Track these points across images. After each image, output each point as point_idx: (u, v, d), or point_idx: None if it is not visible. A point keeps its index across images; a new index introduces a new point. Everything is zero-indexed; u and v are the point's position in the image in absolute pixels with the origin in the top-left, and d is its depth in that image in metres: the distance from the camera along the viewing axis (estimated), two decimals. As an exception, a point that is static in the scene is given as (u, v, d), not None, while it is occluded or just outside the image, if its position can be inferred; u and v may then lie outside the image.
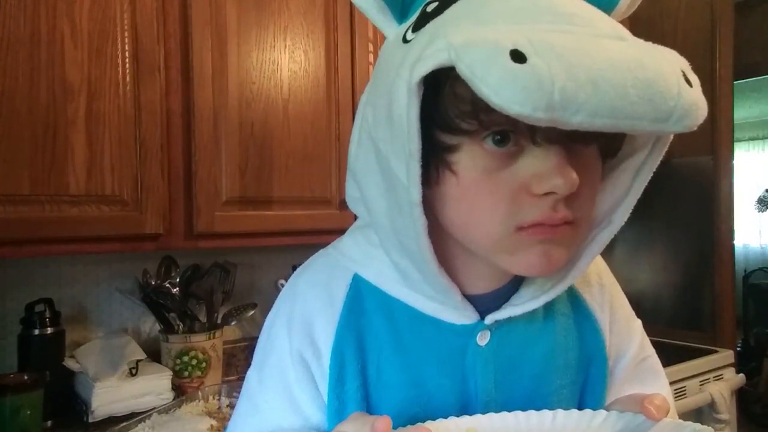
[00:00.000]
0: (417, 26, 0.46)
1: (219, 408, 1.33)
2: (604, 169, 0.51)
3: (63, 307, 1.38)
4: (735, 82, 2.26)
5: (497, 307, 0.54)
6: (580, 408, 0.52)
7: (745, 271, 5.06)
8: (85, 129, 1.15)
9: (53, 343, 1.31)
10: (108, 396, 1.26)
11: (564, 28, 0.40)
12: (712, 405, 1.87)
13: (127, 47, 1.21)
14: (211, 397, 1.36)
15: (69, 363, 1.31)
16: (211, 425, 1.21)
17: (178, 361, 1.42)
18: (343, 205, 1.53)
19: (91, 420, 1.24)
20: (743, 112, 5.57)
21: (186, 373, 1.43)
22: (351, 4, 1.54)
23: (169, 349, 1.44)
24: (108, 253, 1.42)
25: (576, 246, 0.51)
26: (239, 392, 0.60)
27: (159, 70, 1.26)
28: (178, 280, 1.48)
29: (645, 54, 0.39)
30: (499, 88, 0.35)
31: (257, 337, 0.61)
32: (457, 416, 0.50)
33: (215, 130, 1.33)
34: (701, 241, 2.27)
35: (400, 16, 0.50)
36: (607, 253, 0.57)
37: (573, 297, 0.61)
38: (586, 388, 0.60)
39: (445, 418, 0.50)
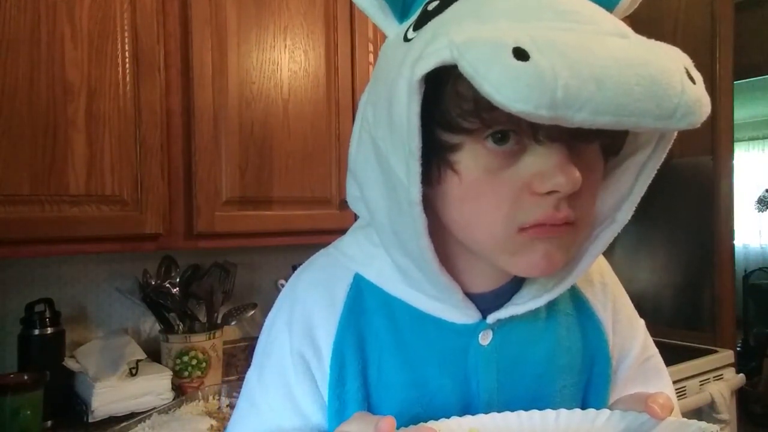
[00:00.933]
0: (418, 25, 0.46)
1: (219, 408, 1.33)
2: (607, 167, 0.51)
3: (63, 307, 1.38)
4: (735, 82, 2.26)
5: (499, 306, 0.54)
6: (583, 408, 0.52)
7: (745, 271, 5.06)
8: (85, 129, 1.15)
9: (53, 343, 1.31)
10: (108, 396, 1.26)
11: (566, 25, 0.40)
12: (712, 405, 1.87)
13: (127, 47, 1.21)
14: (211, 397, 1.36)
15: (69, 363, 1.31)
16: (211, 425, 1.21)
17: (178, 361, 1.42)
18: (343, 205, 1.53)
19: (91, 420, 1.24)
20: (743, 112, 5.56)
21: (186, 373, 1.43)
22: (351, 4, 1.55)
23: (169, 349, 1.43)
24: (108, 253, 1.43)
25: (576, 246, 0.51)
26: (239, 392, 0.60)
27: (159, 70, 1.26)
28: (178, 280, 1.48)
29: (648, 51, 0.39)
30: (502, 85, 0.35)
31: (257, 337, 0.61)
32: (460, 416, 0.50)
33: (215, 130, 1.33)
34: (701, 241, 2.27)
35: (401, 15, 0.50)
36: (608, 253, 0.57)
37: (575, 296, 0.60)
38: (590, 388, 0.60)
39: (447, 418, 0.50)
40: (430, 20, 0.45)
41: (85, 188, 1.15)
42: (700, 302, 2.29)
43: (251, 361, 0.60)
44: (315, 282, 0.58)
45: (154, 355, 1.45)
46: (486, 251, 0.49)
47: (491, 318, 0.54)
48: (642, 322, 0.66)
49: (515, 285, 0.55)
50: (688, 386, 1.85)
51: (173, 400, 1.33)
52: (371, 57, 1.58)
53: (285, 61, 1.44)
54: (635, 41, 0.41)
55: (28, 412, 1.12)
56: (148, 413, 1.23)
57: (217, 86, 1.33)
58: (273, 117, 1.42)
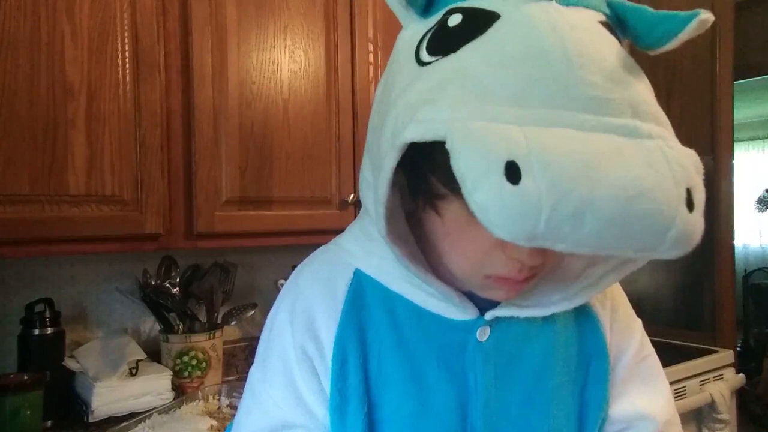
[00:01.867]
0: (433, 45, 0.45)
1: (219, 408, 1.33)
2: None
3: (63, 307, 1.38)
4: (735, 82, 2.26)
5: (496, 303, 0.55)
6: (582, 406, 0.53)
7: (745, 271, 5.06)
8: (85, 129, 1.15)
9: (53, 343, 1.30)
10: (108, 396, 1.26)
11: (573, 118, 0.38)
12: (712, 405, 1.87)
13: (127, 47, 1.21)
14: (211, 397, 1.36)
15: (69, 363, 1.31)
16: (211, 425, 1.21)
17: (178, 361, 1.42)
18: (343, 205, 1.53)
19: (91, 420, 1.24)
20: (743, 112, 5.56)
21: (186, 373, 1.43)
22: (351, 4, 1.55)
23: (169, 349, 1.43)
24: (108, 253, 1.42)
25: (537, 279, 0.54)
26: (239, 392, 0.61)
27: (159, 70, 1.26)
28: (178, 280, 1.48)
29: (650, 170, 0.37)
30: (485, 208, 0.35)
31: (257, 337, 0.61)
32: (457, 412, 0.51)
33: (215, 130, 1.33)
34: (701, 241, 2.27)
35: (424, 11, 0.49)
36: (608, 253, 0.57)
37: None
38: (588, 386, 0.60)
39: (445, 413, 0.50)
40: (445, 48, 0.43)
41: (85, 188, 1.15)
42: (700, 302, 2.28)
43: (251, 361, 0.60)
44: (316, 278, 0.58)
45: (154, 355, 1.45)
46: (456, 278, 0.53)
47: (489, 315, 0.54)
48: (639, 321, 0.67)
49: None
50: (688, 386, 1.85)
51: (173, 400, 1.33)
52: (371, 57, 1.58)
53: (285, 61, 1.44)
54: (642, 148, 0.38)
55: (28, 412, 1.12)
56: (148, 413, 1.23)
57: (217, 86, 1.33)
58: (273, 117, 1.42)
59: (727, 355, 2.04)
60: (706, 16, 0.44)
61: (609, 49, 0.42)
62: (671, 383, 0.79)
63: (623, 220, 0.36)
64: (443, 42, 0.44)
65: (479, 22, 0.43)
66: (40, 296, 1.31)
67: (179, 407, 1.29)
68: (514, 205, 0.34)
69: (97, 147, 1.17)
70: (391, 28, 1.60)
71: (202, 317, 1.51)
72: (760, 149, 6.28)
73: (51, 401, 1.21)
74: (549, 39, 0.41)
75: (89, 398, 1.25)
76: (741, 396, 2.28)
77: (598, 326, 0.61)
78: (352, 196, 1.53)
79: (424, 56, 0.45)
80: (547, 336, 0.58)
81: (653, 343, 0.67)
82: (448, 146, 0.37)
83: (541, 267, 0.49)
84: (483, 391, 0.55)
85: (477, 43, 0.42)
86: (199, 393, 1.36)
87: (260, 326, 0.61)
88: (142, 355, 1.36)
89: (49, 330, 1.29)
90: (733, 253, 2.32)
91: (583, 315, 0.60)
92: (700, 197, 0.39)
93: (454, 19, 0.44)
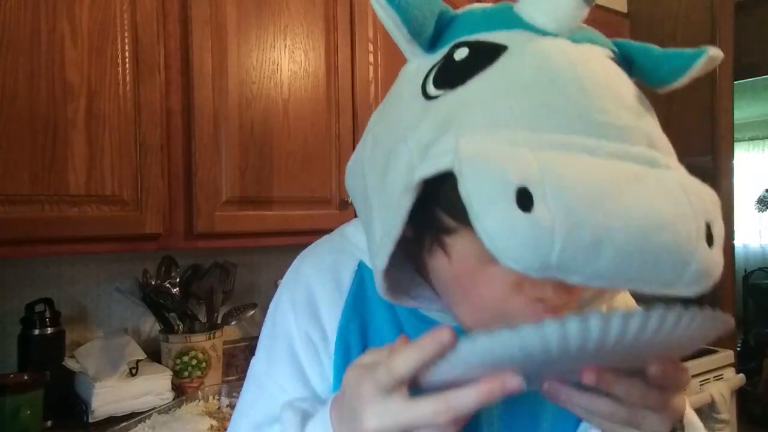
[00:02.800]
0: (440, 79, 0.43)
1: (219, 408, 1.33)
2: None
3: (63, 307, 1.38)
4: (735, 82, 2.26)
5: None
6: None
7: (745, 271, 5.06)
8: (85, 129, 1.15)
9: (53, 343, 1.30)
10: (108, 396, 1.26)
11: (590, 144, 0.36)
12: (712, 405, 1.87)
13: (127, 47, 1.21)
14: (211, 397, 1.36)
15: (69, 363, 1.31)
16: (211, 425, 1.21)
17: (178, 361, 1.42)
18: (343, 204, 1.53)
19: (91, 420, 1.24)
20: (743, 112, 5.56)
21: (186, 373, 1.43)
22: (351, 4, 1.55)
23: (169, 349, 1.43)
24: (108, 253, 1.42)
25: None
26: (239, 392, 0.60)
27: (159, 70, 1.26)
28: (178, 280, 1.48)
29: (669, 202, 0.35)
30: (495, 235, 0.33)
31: (257, 337, 0.60)
32: None
33: (215, 130, 1.33)
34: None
35: (429, 46, 0.47)
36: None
37: None
38: None
39: None
40: (453, 81, 0.42)
41: (85, 188, 1.15)
42: (699, 302, 2.28)
43: (251, 361, 0.60)
44: (320, 266, 0.58)
45: (154, 355, 1.45)
46: (462, 325, 0.48)
47: None
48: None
49: None
50: (688, 386, 1.85)
51: (173, 400, 1.33)
52: (371, 57, 1.58)
53: (285, 61, 1.44)
54: (660, 179, 0.37)
55: (28, 412, 1.12)
56: (148, 413, 1.23)
57: (217, 86, 1.33)
58: (273, 117, 1.42)
59: (727, 355, 2.04)
60: (715, 52, 0.43)
61: (621, 80, 0.42)
62: (671, 383, 0.79)
63: (641, 253, 0.34)
64: (450, 75, 0.43)
65: (487, 54, 0.42)
66: (40, 296, 1.31)
67: (179, 407, 1.29)
68: (525, 233, 0.32)
69: (97, 147, 1.17)
70: (391, 28, 1.60)
71: (202, 317, 1.51)
72: (760, 149, 6.27)
73: (51, 401, 1.21)
74: (561, 67, 0.40)
75: (89, 398, 1.25)
76: (741, 396, 2.28)
77: None
78: (352, 196, 1.53)
79: (431, 90, 0.43)
80: None
81: (653, 343, 0.67)
82: (455, 170, 0.35)
83: (566, 307, 0.44)
84: None
85: (485, 74, 0.41)
86: (199, 393, 1.36)
87: (260, 326, 0.61)
88: (142, 355, 1.36)
89: (49, 330, 1.29)
90: (733, 253, 2.32)
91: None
92: (719, 232, 0.37)
93: (461, 53, 0.43)
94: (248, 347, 1.70)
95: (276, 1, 1.43)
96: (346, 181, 0.54)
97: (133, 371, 1.32)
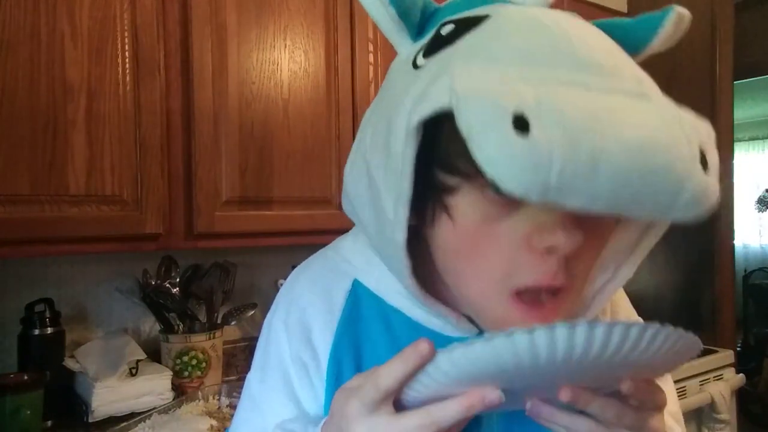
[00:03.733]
0: (429, 51, 0.44)
1: (219, 408, 1.33)
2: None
3: (63, 307, 1.38)
4: (735, 82, 2.26)
5: None
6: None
7: (745, 271, 5.06)
8: (85, 129, 1.15)
9: (53, 343, 1.30)
10: (108, 396, 1.26)
11: (581, 79, 0.37)
12: (712, 405, 1.87)
13: (127, 47, 1.21)
14: (211, 397, 1.36)
15: (69, 363, 1.31)
16: (211, 425, 1.21)
17: (178, 361, 1.42)
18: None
19: (91, 420, 1.24)
20: (743, 112, 5.57)
21: (186, 373, 1.43)
22: (351, 4, 1.55)
23: (169, 349, 1.43)
24: (108, 253, 1.42)
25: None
26: (239, 392, 0.60)
27: (159, 70, 1.26)
28: (178, 280, 1.48)
29: (662, 127, 0.36)
30: (494, 161, 0.33)
31: (257, 337, 0.61)
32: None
33: (215, 130, 1.33)
34: (701, 241, 2.27)
35: (416, 33, 0.48)
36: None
37: None
38: None
39: None
40: (441, 48, 0.43)
41: (85, 188, 1.15)
42: (700, 302, 2.28)
43: (251, 361, 0.60)
44: (313, 285, 0.57)
45: (154, 355, 1.45)
46: (472, 307, 0.48)
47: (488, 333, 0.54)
48: (640, 321, 0.66)
49: None
50: (688, 386, 1.85)
51: (173, 400, 1.33)
52: (371, 57, 1.58)
53: (285, 61, 1.44)
54: (652, 107, 0.38)
55: (28, 412, 1.12)
56: (148, 413, 1.23)
57: (217, 86, 1.33)
58: (273, 117, 1.42)
59: (727, 355, 2.04)
60: (682, 9, 0.43)
61: (603, 36, 0.43)
62: (671, 383, 0.79)
63: (638, 173, 0.35)
64: (438, 45, 0.44)
65: (473, 21, 0.43)
66: (40, 296, 1.31)
67: (179, 407, 1.29)
68: (524, 156, 0.33)
69: (97, 147, 1.17)
70: (391, 28, 1.60)
71: (202, 317, 1.51)
72: (760, 149, 6.28)
73: (51, 401, 1.21)
74: (545, 21, 0.41)
75: (89, 398, 1.25)
76: (741, 396, 2.28)
77: None
78: (352, 196, 1.53)
79: (421, 61, 0.44)
80: None
81: (653, 343, 0.67)
82: (452, 105, 0.35)
83: (576, 265, 0.43)
84: None
85: (472, 33, 0.42)
86: (199, 393, 1.36)
87: (260, 326, 0.61)
88: (142, 355, 1.36)
89: (49, 330, 1.29)
90: (733, 253, 2.32)
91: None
92: (713, 160, 0.38)
93: (447, 29, 0.44)
94: (248, 347, 1.70)
95: (276, 1, 1.43)
96: (346, 186, 0.53)
97: (133, 371, 1.32)
